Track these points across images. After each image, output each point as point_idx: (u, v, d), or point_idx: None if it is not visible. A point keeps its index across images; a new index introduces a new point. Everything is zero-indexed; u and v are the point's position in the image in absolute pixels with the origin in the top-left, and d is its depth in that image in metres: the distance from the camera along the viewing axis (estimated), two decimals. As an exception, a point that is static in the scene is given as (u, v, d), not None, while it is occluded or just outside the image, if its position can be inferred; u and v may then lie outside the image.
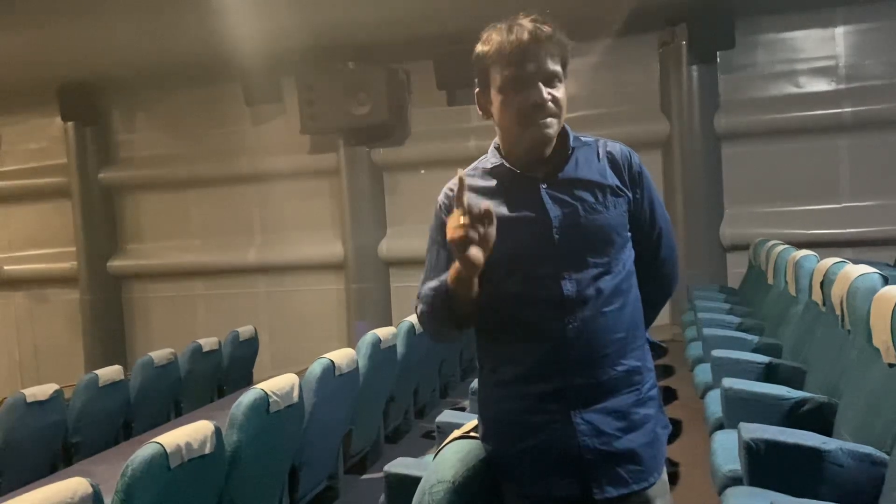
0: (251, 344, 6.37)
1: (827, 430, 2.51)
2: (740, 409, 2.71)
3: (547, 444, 1.49)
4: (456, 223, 1.39)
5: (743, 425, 2.29)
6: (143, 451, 2.21)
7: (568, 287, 1.49)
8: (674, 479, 3.23)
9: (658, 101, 7.19)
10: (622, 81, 7.33)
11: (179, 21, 7.11)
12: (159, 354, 5.28)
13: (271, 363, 7.55)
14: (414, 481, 1.69)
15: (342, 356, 3.36)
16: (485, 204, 1.41)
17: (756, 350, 3.63)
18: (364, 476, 3.83)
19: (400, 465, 2.44)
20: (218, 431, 2.49)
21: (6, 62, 7.75)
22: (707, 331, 4.04)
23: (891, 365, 2.26)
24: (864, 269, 2.76)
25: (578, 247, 1.51)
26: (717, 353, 3.40)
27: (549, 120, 1.51)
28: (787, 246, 4.76)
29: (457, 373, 5.56)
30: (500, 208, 1.52)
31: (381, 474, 2.49)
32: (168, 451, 2.25)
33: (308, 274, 8.39)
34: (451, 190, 1.59)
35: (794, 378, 3.15)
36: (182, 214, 8.85)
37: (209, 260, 8.65)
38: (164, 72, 8.07)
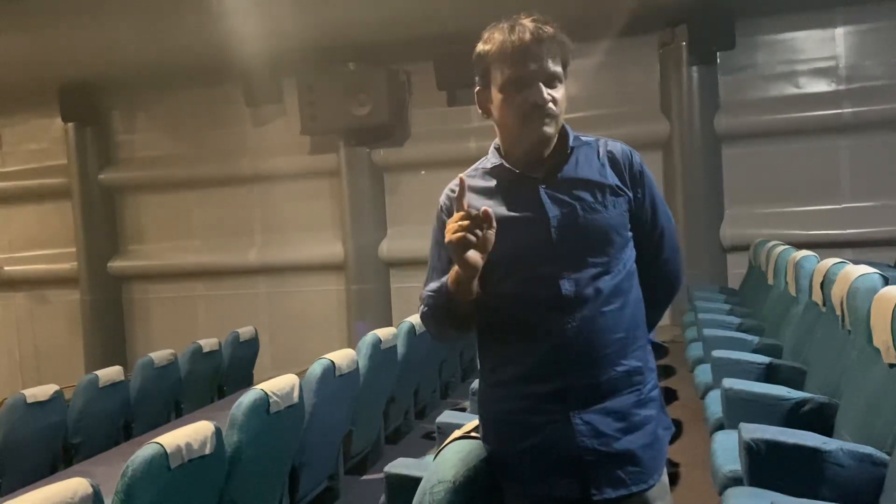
0: (251, 345, 6.37)
1: (827, 431, 2.51)
2: (741, 409, 2.71)
3: (547, 444, 1.49)
4: (455, 226, 1.39)
5: (743, 426, 2.29)
6: (144, 451, 2.21)
7: (566, 287, 1.49)
8: (674, 479, 3.23)
9: (658, 101, 7.20)
10: (622, 82, 7.33)
11: (180, 22, 7.12)
12: (159, 355, 5.28)
13: (271, 364, 7.54)
14: (414, 482, 1.69)
15: (342, 357, 3.36)
16: (484, 207, 1.41)
17: (756, 350, 3.63)
18: (364, 477, 3.83)
19: (400, 466, 2.44)
20: (218, 432, 2.50)
21: (7, 63, 7.75)
22: (707, 331, 4.04)
23: (891, 365, 2.26)
24: (865, 269, 2.76)
25: (577, 246, 1.51)
26: (717, 353, 3.39)
27: (548, 120, 1.51)
28: (787, 246, 4.75)
29: (457, 373, 5.56)
30: (499, 208, 1.53)
31: (381, 475, 2.49)
32: (168, 451, 2.25)
33: (308, 274, 8.39)
34: (453, 191, 1.59)
35: (794, 378, 3.15)
36: (182, 215, 8.85)
37: (209, 260, 8.65)
38: (164, 72, 8.08)
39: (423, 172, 7.85)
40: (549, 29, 1.51)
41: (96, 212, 8.91)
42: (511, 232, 1.49)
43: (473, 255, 1.41)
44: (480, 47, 1.56)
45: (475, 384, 2.33)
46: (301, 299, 8.42)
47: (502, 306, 1.53)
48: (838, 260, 3.27)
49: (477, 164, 1.65)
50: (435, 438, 3.05)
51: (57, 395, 4.41)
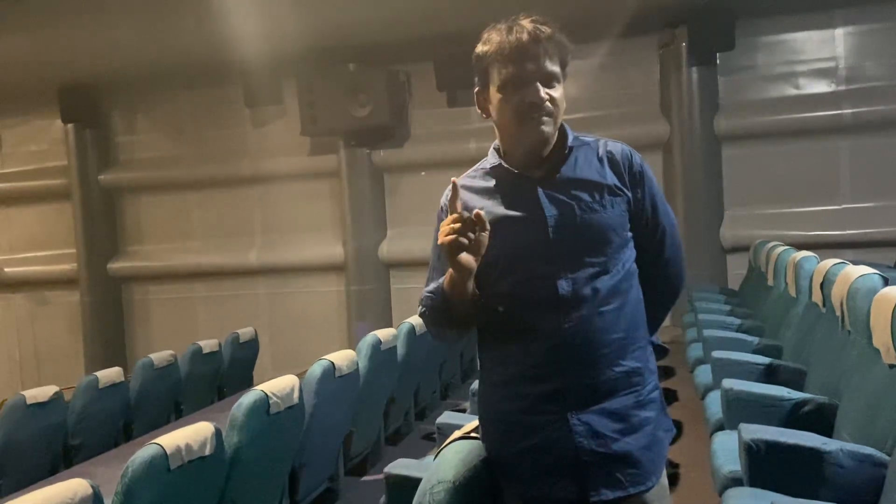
0: (251, 346, 6.37)
1: (827, 431, 2.51)
2: (741, 410, 2.71)
3: (545, 444, 1.49)
4: (447, 229, 1.40)
5: (743, 426, 2.29)
6: (144, 452, 2.21)
7: (564, 286, 1.49)
8: (674, 480, 3.23)
9: (658, 102, 7.20)
10: (622, 83, 7.33)
11: (180, 23, 7.12)
12: (159, 356, 5.28)
13: (272, 365, 7.55)
14: (414, 483, 1.69)
15: (342, 357, 3.36)
16: (476, 210, 1.42)
17: (756, 351, 3.63)
18: (364, 477, 3.83)
19: (400, 467, 2.44)
20: (218, 433, 2.50)
21: (7, 64, 7.76)
22: (707, 332, 4.04)
23: (891, 366, 2.26)
24: (864, 270, 2.76)
25: (575, 246, 1.51)
26: (717, 354, 3.39)
27: (546, 120, 1.52)
28: (787, 247, 4.75)
29: (457, 374, 5.56)
30: (497, 208, 1.54)
31: (381, 476, 2.49)
32: (168, 452, 2.25)
33: (308, 276, 8.39)
34: None
35: (794, 379, 3.15)
36: (182, 216, 8.85)
37: (209, 261, 8.65)
38: (164, 73, 8.08)
39: (423, 173, 7.85)
40: (547, 29, 1.51)
41: (96, 213, 8.91)
42: (509, 232, 1.50)
43: (466, 258, 1.42)
44: (479, 48, 1.56)
45: (475, 385, 2.33)
46: (301, 300, 8.42)
47: (500, 306, 1.53)
48: (838, 260, 3.27)
49: (477, 164, 1.66)
50: (435, 439, 3.05)
51: (57, 397, 4.41)
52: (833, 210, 6.84)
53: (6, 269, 9.41)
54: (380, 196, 8.12)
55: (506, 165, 1.58)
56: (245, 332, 6.28)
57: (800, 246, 4.84)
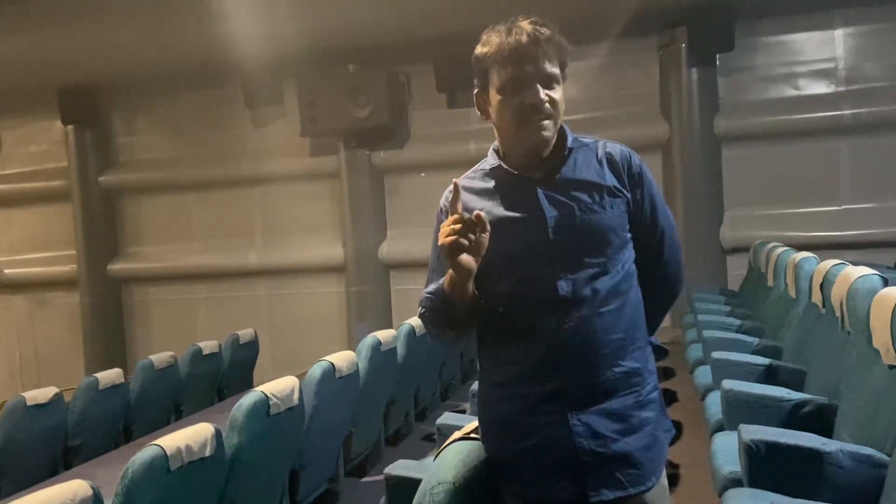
0: (251, 347, 6.37)
1: (827, 432, 2.51)
2: (740, 410, 2.71)
3: (545, 445, 1.49)
4: (447, 230, 1.40)
5: (743, 427, 2.29)
6: (144, 453, 2.21)
7: (563, 287, 1.49)
8: (674, 480, 3.23)
9: (658, 103, 7.20)
10: (622, 84, 7.34)
11: (180, 24, 7.13)
12: (159, 357, 5.28)
13: (272, 366, 7.55)
14: (414, 483, 1.69)
15: (342, 359, 3.37)
16: (476, 211, 1.42)
17: (756, 352, 3.63)
18: (364, 479, 3.83)
19: (400, 468, 2.44)
20: (218, 434, 2.50)
21: (7, 65, 7.76)
22: (707, 333, 4.04)
23: (891, 366, 2.26)
24: (864, 270, 2.76)
25: (574, 247, 1.51)
26: (717, 354, 3.39)
27: (545, 122, 1.52)
28: (787, 248, 4.76)
29: (457, 375, 5.56)
30: (497, 209, 1.54)
31: (381, 477, 2.49)
32: (168, 453, 2.25)
33: (308, 277, 8.38)
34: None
35: (794, 380, 3.15)
36: (182, 217, 8.85)
37: (209, 263, 8.65)
38: (164, 74, 8.08)
39: (423, 174, 7.85)
40: (546, 31, 1.51)
41: (96, 214, 8.91)
42: (509, 232, 1.50)
43: (466, 259, 1.42)
44: (478, 50, 1.56)
45: (475, 386, 2.33)
46: (301, 301, 8.42)
47: (500, 306, 1.53)
48: (838, 261, 3.27)
49: (476, 165, 1.66)
50: (435, 440, 3.05)
51: (57, 398, 4.41)
52: (833, 211, 6.84)
53: (6, 271, 9.41)
54: (380, 197, 8.12)
55: (505, 166, 1.58)
56: (245, 334, 6.28)
57: (800, 246, 4.84)
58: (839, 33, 6.87)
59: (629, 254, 1.57)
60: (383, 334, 3.91)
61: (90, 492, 2.09)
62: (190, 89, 8.45)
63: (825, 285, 3.21)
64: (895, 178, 6.67)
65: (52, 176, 9.07)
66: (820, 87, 6.91)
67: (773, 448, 2.19)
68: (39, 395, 4.34)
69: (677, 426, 3.76)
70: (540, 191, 1.54)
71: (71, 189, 8.88)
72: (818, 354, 3.19)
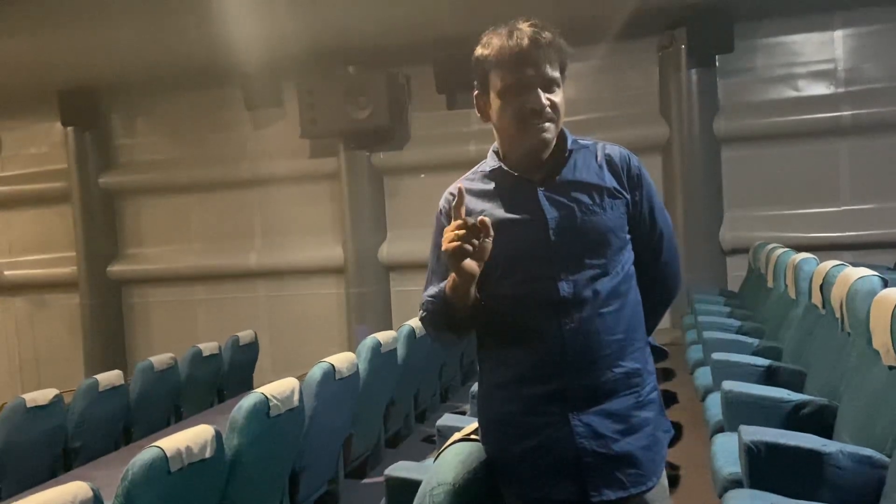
0: (251, 348, 6.37)
1: (827, 433, 2.51)
2: (740, 411, 2.71)
3: (545, 445, 1.49)
4: (451, 235, 1.40)
5: (743, 428, 2.29)
6: (144, 455, 2.21)
7: (564, 288, 1.49)
8: (674, 482, 3.23)
9: (657, 104, 7.20)
10: (622, 85, 7.34)
11: (180, 25, 7.13)
12: (159, 359, 5.28)
13: (271, 367, 7.54)
14: (414, 485, 1.69)
15: (342, 360, 3.36)
16: (481, 217, 1.42)
17: (756, 353, 3.63)
18: (364, 480, 3.83)
19: (400, 469, 2.44)
20: (218, 435, 2.50)
21: (6, 67, 7.77)
22: (707, 334, 4.04)
23: (891, 367, 2.26)
24: (864, 271, 2.76)
25: (575, 248, 1.51)
26: (717, 356, 3.39)
27: (546, 125, 1.52)
28: (786, 249, 4.76)
29: (457, 376, 5.56)
30: (497, 210, 1.54)
31: (381, 478, 2.49)
32: (168, 455, 2.25)
33: (308, 278, 8.38)
34: (452, 195, 1.60)
35: (794, 381, 3.15)
36: (182, 219, 8.85)
37: (209, 264, 8.65)
38: (164, 76, 8.09)
39: (422, 176, 7.85)
40: (547, 34, 1.51)
41: (96, 215, 8.91)
42: (509, 234, 1.50)
43: (470, 264, 1.42)
44: (479, 51, 1.57)
45: (475, 387, 2.33)
46: (301, 303, 8.42)
47: (501, 308, 1.54)
48: (838, 262, 3.27)
49: (476, 167, 1.66)
50: (435, 442, 3.05)
51: (57, 400, 4.41)
52: (832, 212, 6.84)
53: (6, 272, 9.41)
54: (379, 198, 8.12)
55: (506, 168, 1.59)
56: (245, 335, 6.28)
57: (799, 248, 4.84)
58: (838, 34, 6.88)
59: (628, 255, 1.58)
60: (383, 336, 3.91)
61: (90, 493, 2.09)
62: (190, 91, 8.45)
63: (825, 286, 3.21)
64: (894, 178, 6.67)
65: (51, 177, 9.07)
66: (819, 89, 6.92)
67: (773, 449, 2.19)
68: (39, 396, 4.34)
69: (677, 427, 3.77)
70: (540, 192, 1.54)
71: (71, 191, 8.89)
72: (818, 355, 3.19)
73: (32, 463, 4.27)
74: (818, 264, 3.53)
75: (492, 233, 1.42)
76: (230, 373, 6.03)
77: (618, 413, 1.49)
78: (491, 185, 1.59)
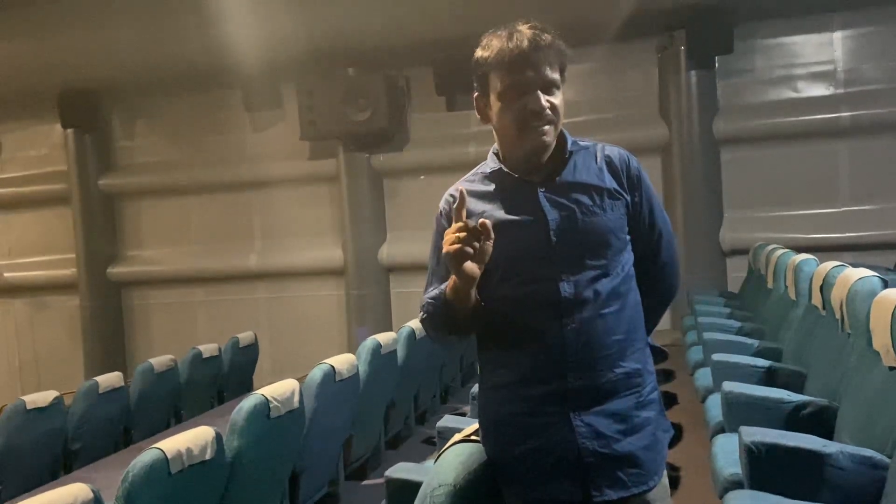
0: (251, 350, 6.37)
1: (828, 434, 2.51)
2: (741, 412, 2.71)
3: (547, 446, 1.49)
4: (452, 237, 1.40)
5: (744, 429, 2.28)
6: (144, 456, 2.21)
7: (565, 289, 1.50)
8: (675, 483, 3.23)
9: (657, 105, 7.21)
10: (621, 86, 7.35)
11: (179, 28, 7.14)
12: (159, 361, 5.28)
13: (271, 369, 7.54)
14: (415, 486, 1.69)
15: (342, 362, 3.36)
16: (482, 220, 1.42)
17: (756, 354, 3.63)
18: (365, 482, 3.82)
19: (401, 471, 2.44)
20: (219, 437, 2.49)
21: (7, 69, 7.77)
22: (707, 335, 4.04)
23: (891, 368, 2.27)
24: (864, 272, 2.76)
25: (576, 249, 1.52)
26: (717, 357, 3.39)
27: (546, 127, 1.52)
28: (786, 250, 4.76)
29: (457, 378, 5.56)
30: (498, 212, 1.54)
31: (381, 480, 2.49)
32: (169, 456, 2.25)
33: (308, 280, 8.39)
34: (452, 196, 1.61)
35: (794, 382, 3.15)
36: (182, 221, 8.85)
37: (209, 266, 8.65)
38: (164, 78, 8.09)
39: (422, 177, 7.85)
40: (546, 36, 1.51)
41: (96, 218, 8.91)
42: (510, 235, 1.51)
43: (470, 266, 1.42)
44: (478, 53, 1.57)
45: (475, 388, 2.33)
46: (301, 304, 8.42)
47: (502, 309, 1.54)
48: (837, 263, 3.27)
49: (476, 168, 1.66)
50: (435, 443, 3.05)
51: (57, 402, 4.41)
52: (832, 213, 6.85)
53: (6, 274, 9.41)
54: (379, 200, 8.12)
55: (506, 170, 1.59)
56: (245, 337, 6.28)
57: (799, 248, 4.84)
58: (838, 36, 6.88)
59: (628, 256, 1.58)
60: (383, 337, 3.91)
61: (91, 495, 2.09)
62: (189, 93, 8.46)
63: (825, 287, 3.21)
64: (894, 179, 6.67)
65: (51, 179, 9.08)
66: (819, 90, 6.92)
67: (773, 450, 2.19)
68: (39, 398, 4.34)
69: (678, 428, 3.77)
70: (541, 193, 1.55)
71: (71, 193, 8.88)
72: (818, 356, 3.19)
73: (32, 465, 4.27)
74: (818, 265, 3.53)
75: (492, 235, 1.42)
76: (230, 374, 6.03)
77: (619, 413, 1.50)
78: (491, 187, 1.59)
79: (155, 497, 2.21)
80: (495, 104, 1.55)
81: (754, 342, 3.87)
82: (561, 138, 1.59)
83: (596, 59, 6.96)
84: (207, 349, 5.76)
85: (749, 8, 6.77)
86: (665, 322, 6.64)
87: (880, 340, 2.34)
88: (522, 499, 1.54)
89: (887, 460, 2.09)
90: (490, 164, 1.63)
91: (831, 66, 6.90)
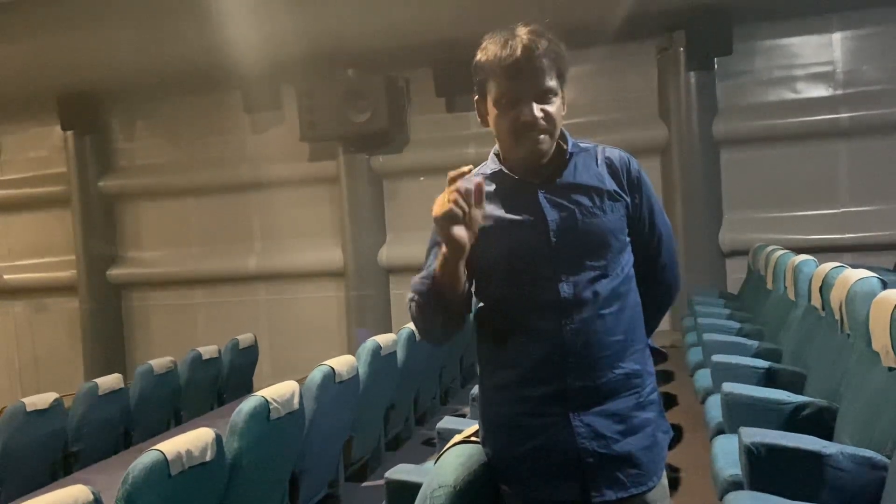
0: (251, 352, 6.36)
1: (827, 435, 2.51)
2: (741, 413, 2.71)
3: (546, 446, 1.49)
4: (441, 200, 1.38)
5: (743, 430, 2.29)
6: (144, 458, 2.21)
7: (565, 289, 1.50)
8: (675, 484, 3.23)
9: (656, 107, 7.21)
10: (621, 88, 7.35)
11: (179, 29, 7.15)
12: (159, 363, 5.28)
13: (271, 371, 7.54)
14: (415, 488, 1.69)
15: (342, 363, 3.36)
16: (476, 179, 1.39)
17: (756, 355, 3.63)
18: (365, 483, 3.82)
19: (401, 472, 2.44)
20: (219, 438, 2.49)
21: (6, 72, 7.78)
22: (707, 336, 4.04)
23: (890, 368, 2.27)
24: (863, 273, 2.77)
25: (576, 250, 1.52)
26: (717, 358, 3.39)
27: (541, 137, 1.52)
28: (786, 251, 4.76)
29: (457, 379, 5.56)
30: (498, 212, 1.54)
31: (381, 481, 2.49)
32: (169, 458, 2.24)
33: (308, 281, 8.39)
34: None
35: (794, 382, 3.16)
36: (182, 222, 8.85)
37: (209, 268, 8.65)
38: (163, 80, 8.09)
39: (422, 179, 7.85)
40: (543, 42, 1.50)
41: (96, 219, 8.91)
42: (510, 235, 1.51)
43: (458, 232, 1.37)
44: (478, 57, 1.56)
45: (475, 390, 2.33)
46: (300, 306, 8.42)
47: (501, 309, 1.54)
48: (837, 264, 3.28)
49: (477, 169, 1.65)
50: (435, 445, 3.05)
51: (56, 404, 4.41)
52: (832, 214, 6.85)
53: (6, 276, 9.41)
54: (379, 201, 8.13)
55: (506, 171, 1.59)
56: (245, 338, 6.28)
57: (799, 249, 4.85)
58: (837, 37, 6.89)
59: (628, 257, 1.58)
60: (383, 338, 3.91)
61: (91, 497, 2.09)
62: (189, 94, 8.46)
63: (824, 288, 3.21)
64: (894, 180, 6.68)
65: (51, 181, 9.08)
66: (818, 91, 6.93)
67: (773, 451, 2.19)
68: (39, 400, 4.34)
69: (678, 429, 3.77)
70: (541, 194, 1.55)
71: (70, 194, 8.89)
72: (818, 357, 3.20)
73: (32, 467, 4.27)
74: (818, 266, 3.54)
75: (485, 203, 1.40)
76: (230, 376, 6.03)
77: (618, 413, 1.50)
78: (492, 187, 1.59)
79: (155, 499, 2.21)
80: (492, 110, 1.55)
81: (754, 343, 3.87)
82: (562, 139, 1.59)
83: (595, 60, 6.96)
84: (207, 351, 5.76)
85: (748, 9, 6.77)
86: (665, 323, 6.61)
87: (880, 341, 2.34)
88: (522, 499, 1.54)
89: (887, 461, 2.09)
90: (491, 164, 1.63)
91: (830, 67, 6.90)
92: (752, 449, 2.19)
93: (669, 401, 4.50)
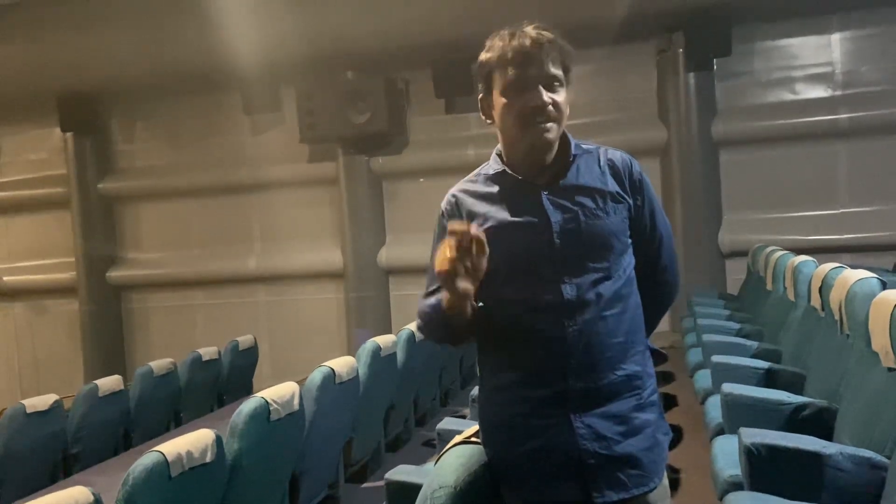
0: (251, 353, 6.36)
1: (827, 435, 2.51)
2: (740, 414, 2.71)
3: (547, 447, 1.50)
4: (443, 256, 1.37)
5: (743, 430, 2.29)
6: (144, 459, 2.21)
7: (568, 291, 1.50)
8: (675, 485, 3.23)
9: (656, 108, 7.22)
10: (620, 89, 7.36)
11: (178, 31, 7.15)
12: (159, 364, 5.28)
13: (271, 372, 7.54)
14: (415, 489, 1.69)
15: (342, 364, 3.37)
16: (475, 232, 1.38)
17: (756, 356, 3.63)
18: (365, 484, 3.82)
19: (401, 473, 2.44)
20: (219, 440, 2.49)
21: (6, 73, 7.78)
22: (707, 337, 4.04)
23: (890, 369, 2.27)
24: (863, 273, 2.77)
25: (579, 251, 1.52)
26: (716, 358, 3.40)
27: (549, 125, 1.53)
28: (785, 252, 4.76)
29: (457, 380, 5.56)
30: (500, 213, 1.55)
31: (381, 482, 2.49)
32: (169, 459, 2.24)
33: (307, 283, 8.39)
34: (454, 196, 1.62)
35: (793, 383, 3.16)
36: (181, 224, 8.85)
37: (209, 269, 8.65)
38: (163, 82, 8.10)
39: (421, 180, 7.86)
40: (549, 35, 1.53)
41: (95, 221, 8.91)
42: (513, 237, 1.51)
43: (463, 285, 1.39)
44: (482, 55, 1.58)
45: (475, 391, 2.33)
46: (300, 307, 8.42)
47: (503, 310, 1.54)
48: (836, 265, 3.28)
49: (478, 169, 1.66)
50: (435, 446, 3.05)
51: (56, 405, 4.40)
52: (831, 214, 6.86)
53: (5, 278, 9.40)
54: (378, 203, 8.13)
55: (509, 172, 1.59)
56: (244, 340, 6.28)
57: (798, 250, 4.85)
58: (836, 37, 6.90)
59: (629, 259, 1.58)
60: (383, 340, 3.91)
61: (91, 498, 2.09)
62: (189, 96, 8.46)
63: (824, 289, 3.21)
64: (893, 181, 6.68)
65: (51, 183, 9.08)
66: (817, 91, 6.93)
67: (773, 451, 2.19)
68: (39, 402, 4.33)
69: (678, 430, 3.78)
70: (544, 196, 1.55)
71: (70, 196, 8.89)
72: (817, 358, 3.20)
73: (32, 468, 4.27)
74: (817, 267, 3.54)
75: (487, 250, 1.39)
76: (230, 377, 6.03)
77: (619, 415, 1.50)
78: (494, 188, 1.59)
79: (155, 500, 2.21)
80: (498, 101, 1.55)
81: (754, 344, 3.87)
82: (564, 141, 1.59)
83: (595, 61, 6.97)
84: (207, 352, 5.75)
85: (747, 10, 6.78)
86: (664, 324, 6.60)
87: (879, 342, 2.34)
88: (523, 500, 1.54)
89: (887, 461, 2.09)
90: (493, 165, 1.63)
91: (830, 68, 6.91)
92: (752, 449, 2.19)
93: (669, 401, 4.50)
